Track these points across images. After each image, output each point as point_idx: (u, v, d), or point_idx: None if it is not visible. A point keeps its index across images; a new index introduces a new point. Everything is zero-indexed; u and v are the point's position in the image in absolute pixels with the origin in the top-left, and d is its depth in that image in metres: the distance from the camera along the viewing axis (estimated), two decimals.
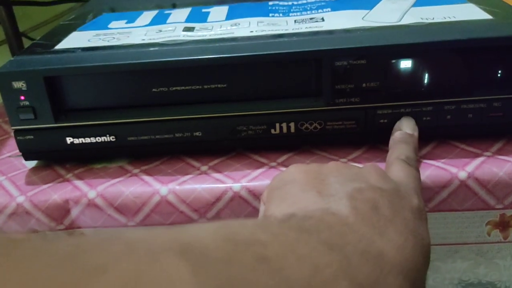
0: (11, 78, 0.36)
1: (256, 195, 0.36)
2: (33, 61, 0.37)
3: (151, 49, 0.37)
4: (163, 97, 0.37)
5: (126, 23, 0.44)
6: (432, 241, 0.37)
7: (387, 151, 0.38)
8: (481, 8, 0.39)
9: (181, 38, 0.39)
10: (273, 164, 0.38)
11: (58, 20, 0.88)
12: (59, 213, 0.37)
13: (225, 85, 0.37)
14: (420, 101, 0.36)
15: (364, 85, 0.36)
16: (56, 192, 0.37)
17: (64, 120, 0.38)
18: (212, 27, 0.41)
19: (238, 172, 0.38)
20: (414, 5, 0.42)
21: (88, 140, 0.38)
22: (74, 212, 0.37)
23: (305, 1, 0.46)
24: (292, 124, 0.37)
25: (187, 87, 0.37)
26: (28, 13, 0.88)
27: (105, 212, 0.37)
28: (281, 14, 0.43)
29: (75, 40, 0.41)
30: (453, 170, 0.35)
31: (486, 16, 0.38)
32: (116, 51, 0.37)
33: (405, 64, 0.35)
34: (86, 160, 0.40)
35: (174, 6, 0.49)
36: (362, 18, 0.40)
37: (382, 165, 0.36)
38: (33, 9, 0.86)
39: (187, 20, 0.43)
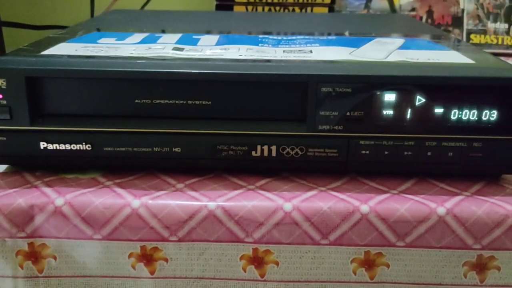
0: None
1: (231, 215, 0.35)
2: (17, 61, 0.36)
3: (138, 61, 0.37)
4: (146, 109, 0.37)
5: (116, 40, 0.44)
6: (406, 279, 0.36)
7: (367, 184, 0.38)
8: (463, 54, 0.40)
9: (170, 55, 0.39)
10: (251, 187, 0.37)
11: None
12: (22, 219, 0.35)
13: (209, 102, 0.37)
14: (402, 134, 0.36)
15: (348, 113, 0.36)
16: (22, 197, 0.36)
17: (41, 123, 0.36)
18: (202, 50, 0.41)
19: (215, 191, 0.36)
20: (400, 48, 0.43)
21: (62, 146, 0.37)
22: (38, 219, 0.35)
23: (294, 37, 0.47)
24: (273, 148, 0.37)
25: (170, 101, 0.37)
26: (16, 39, 0.88)
27: (71, 221, 0.35)
28: (270, 45, 0.43)
29: (62, 49, 0.40)
30: (432, 205, 0.35)
31: (468, 60, 0.39)
32: (103, 60, 0.37)
33: (389, 96, 0.36)
34: (58, 169, 0.39)
35: (164, 31, 0.49)
36: (349, 54, 0.40)
37: (359, 196, 0.36)
38: (20, 35, 0.86)
39: (177, 43, 0.44)
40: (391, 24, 0.63)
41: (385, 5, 0.84)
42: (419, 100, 0.36)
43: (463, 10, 0.84)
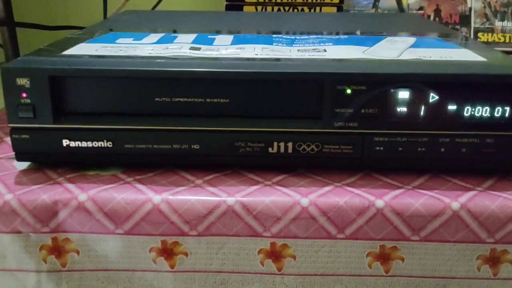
0: (16, 74, 0.36)
1: (249, 210, 0.36)
2: (40, 60, 0.37)
3: (158, 60, 0.38)
4: (165, 107, 0.38)
5: (134, 40, 0.45)
6: (421, 273, 0.37)
7: (381, 180, 0.39)
8: (474, 52, 0.41)
9: (188, 54, 0.40)
10: (268, 182, 0.38)
11: None
12: (46, 215, 0.36)
13: (227, 100, 0.37)
14: (416, 131, 0.37)
15: (363, 110, 0.37)
16: (45, 193, 0.37)
17: (63, 121, 0.37)
18: (218, 49, 0.42)
19: (233, 187, 0.37)
20: (411, 46, 0.44)
21: (84, 144, 0.38)
22: (62, 214, 0.36)
23: (307, 37, 0.48)
24: (290, 144, 0.38)
25: (189, 99, 0.37)
26: (30, 39, 0.90)
27: (94, 217, 0.36)
28: (284, 44, 0.44)
29: (82, 49, 0.41)
30: (446, 200, 0.36)
31: (480, 58, 0.39)
32: (123, 60, 0.38)
33: (403, 94, 0.37)
34: (79, 166, 0.40)
35: (178, 32, 0.50)
36: (363, 52, 0.41)
37: (374, 191, 0.37)
38: (34, 35, 0.88)
39: (193, 42, 0.44)
40: (401, 23, 0.64)
41: (393, 4, 0.85)
42: (433, 97, 0.37)
43: (470, 9, 0.85)
